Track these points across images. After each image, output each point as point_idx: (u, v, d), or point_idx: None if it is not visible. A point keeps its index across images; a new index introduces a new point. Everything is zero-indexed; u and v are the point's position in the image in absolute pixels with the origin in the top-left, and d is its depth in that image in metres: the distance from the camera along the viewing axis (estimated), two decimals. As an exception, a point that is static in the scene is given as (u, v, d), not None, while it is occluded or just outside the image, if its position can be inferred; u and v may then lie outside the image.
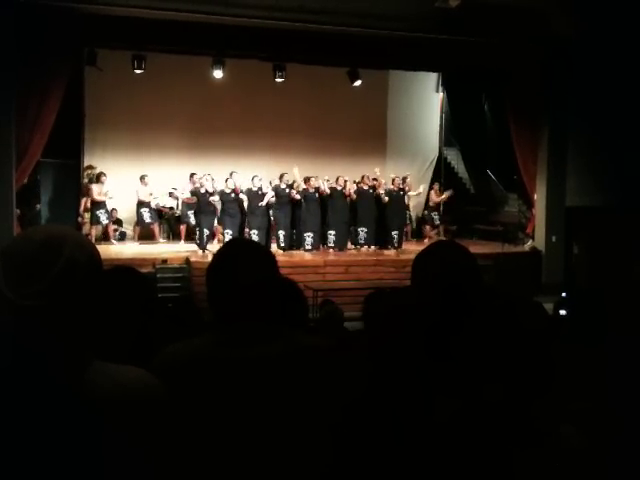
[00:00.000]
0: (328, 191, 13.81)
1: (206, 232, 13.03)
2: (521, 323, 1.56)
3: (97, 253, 1.36)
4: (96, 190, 13.65)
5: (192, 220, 13.80)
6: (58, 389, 1.23)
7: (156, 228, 14.53)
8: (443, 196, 16.05)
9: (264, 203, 13.21)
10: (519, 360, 1.54)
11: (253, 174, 13.74)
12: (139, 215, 14.17)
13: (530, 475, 1.49)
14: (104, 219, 13.78)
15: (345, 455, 1.72)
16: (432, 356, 1.72)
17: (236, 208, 13.27)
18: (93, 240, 13.04)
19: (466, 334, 1.65)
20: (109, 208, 14.00)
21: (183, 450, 1.49)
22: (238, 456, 1.65)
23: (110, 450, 1.24)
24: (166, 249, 13.43)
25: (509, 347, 1.55)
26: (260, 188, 13.33)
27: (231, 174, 13.44)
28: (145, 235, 14.53)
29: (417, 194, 15.41)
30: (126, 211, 14.88)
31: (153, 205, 14.37)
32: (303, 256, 13.25)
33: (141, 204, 14.08)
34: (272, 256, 1.85)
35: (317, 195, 13.76)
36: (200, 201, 13.18)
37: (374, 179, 14.43)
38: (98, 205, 13.66)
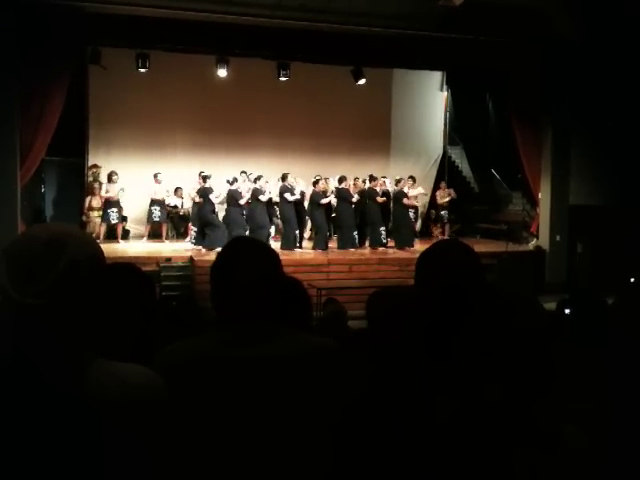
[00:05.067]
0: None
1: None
2: (521, 323, 1.57)
3: (100, 252, 1.36)
4: (109, 189, 13.73)
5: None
6: (59, 387, 1.24)
7: (164, 227, 14.55)
8: (447, 198, 15.99)
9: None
10: (519, 360, 1.54)
11: (257, 172, 13.77)
12: (150, 213, 14.18)
13: (530, 475, 1.49)
14: (114, 218, 13.80)
15: (345, 455, 1.72)
16: (432, 356, 1.72)
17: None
18: (101, 238, 13.12)
19: (466, 334, 1.65)
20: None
21: (185, 448, 1.50)
22: (239, 455, 1.65)
23: (112, 448, 1.24)
24: (170, 247, 13.46)
25: (509, 347, 1.55)
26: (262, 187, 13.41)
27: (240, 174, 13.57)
28: (153, 233, 14.55)
29: (416, 195, 15.17)
30: (131, 209, 14.90)
31: (167, 203, 14.41)
32: (307, 255, 13.25)
33: (153, 202, 14.09)
34: (275, 255, 1.85)
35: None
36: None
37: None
38: (110, 204, 13.73)
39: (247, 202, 13.23)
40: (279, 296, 1.80)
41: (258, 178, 13.45)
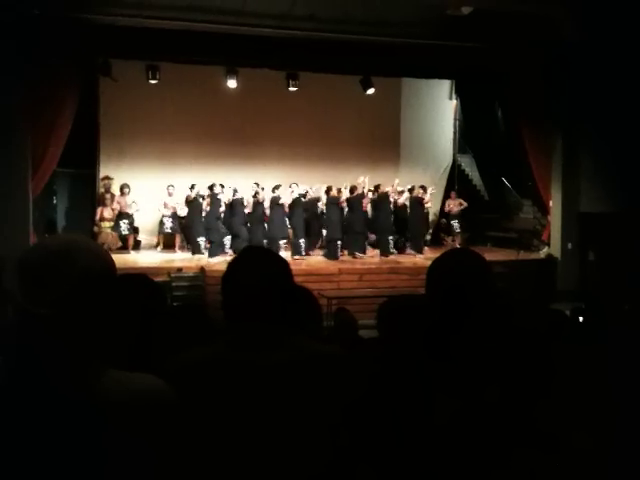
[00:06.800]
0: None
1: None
2: (520, 324, 1.57)
3: (112, 262, 1.37)
4: (121, 201, 14.02)
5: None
6: (67, 396, 1.24)
7: (177, 238, 14.61)
8: (458, 207, 16.07)
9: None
10: (519, 360, 1.54)
11: (265, 182, 13.91)
12: (161, 224, 14.38)
13: (530, 475, 1.48)
14: (125, 229, 13.99)
15: (346, 454, 1.72)
16: (432, 356, 1.73)
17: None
18: (113, 249, 13.23)
19: (466, 334, 1.65)
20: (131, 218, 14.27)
21: (193, 455, 1.50)
22: (248, 459, 1.66)
23: (119, 455, 1.24)
24: (181, 257, 13.50)
25: (509, 347, 1.54)
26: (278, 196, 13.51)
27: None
28: (166, 244, 14.61)
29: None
30: (143, 220, 14.97)
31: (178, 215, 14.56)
32: (317, 264, 13.26)
33: (164, 214, 14.29)
34: (285, 263, 1.87)
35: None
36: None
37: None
38: (121, 215, 14.03)
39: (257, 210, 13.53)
40: (289, 304, 1.81)
41: (277, 187, 13.58)
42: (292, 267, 1.91)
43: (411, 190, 14.89)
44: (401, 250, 14.76)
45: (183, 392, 1.39)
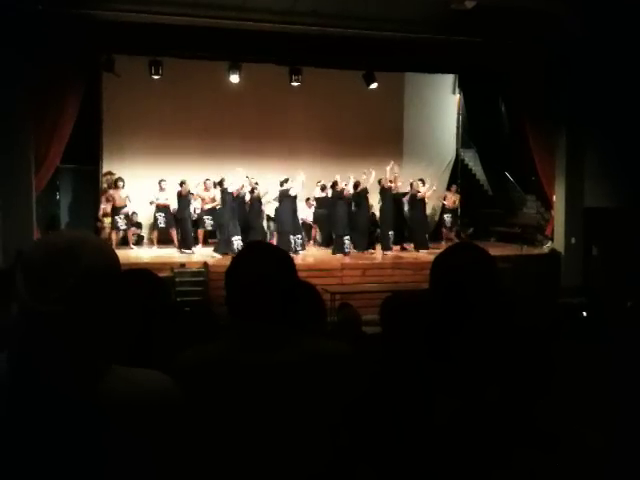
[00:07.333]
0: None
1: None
2: (522, 320, 1.57)
3: (117, 259, 1.36)
4: (114, 196, 13.83)
5: (209, 225, 14.04)
6: (68, 395, 1.24)
7: (173, 233, 14.58)
8: (455, 202, 16.07)
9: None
10: (518, 360, 1.54)
11: (268, 178, 13.94)
12: (155, 220, 14.34)
13: (531, 475, 1.48)
14: (122, 225, 13.90)
15: (346, 455, 1.72)
16: (433, 356, 1.72)
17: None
18: (113, 245, 13.19)
19: (466, 334, 1.65)
20: (129, 212, 14.16)
21: (196, 454, 1.50)
22: (249, 460, 1.66)
23: (122, 456, 1.24)
24: (185, 253, 13.50)
25: (508, 346, 1.54)
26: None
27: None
28: (163, 240, 14.59)
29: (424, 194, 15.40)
30: (144, 215, 14.98)
31: (171, 210, 14.47)
32: (320, 259, 13.27)
33: (158, 209, 14.22)
34: (288, 258, 1.86)
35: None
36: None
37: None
38: (116, 210, 13.86)
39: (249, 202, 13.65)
40: (293, 300, 1.80)
41: (285, 181, 13.58)
42: (295, 262, 1.90)
43: (410, 185, 14.91)
44: (403, 245, 14.72)
45: (187, 392, 1.39)
